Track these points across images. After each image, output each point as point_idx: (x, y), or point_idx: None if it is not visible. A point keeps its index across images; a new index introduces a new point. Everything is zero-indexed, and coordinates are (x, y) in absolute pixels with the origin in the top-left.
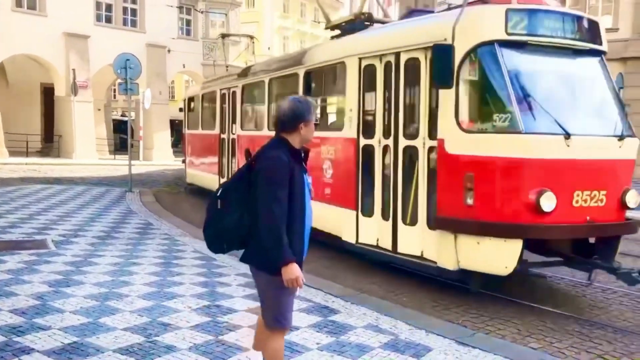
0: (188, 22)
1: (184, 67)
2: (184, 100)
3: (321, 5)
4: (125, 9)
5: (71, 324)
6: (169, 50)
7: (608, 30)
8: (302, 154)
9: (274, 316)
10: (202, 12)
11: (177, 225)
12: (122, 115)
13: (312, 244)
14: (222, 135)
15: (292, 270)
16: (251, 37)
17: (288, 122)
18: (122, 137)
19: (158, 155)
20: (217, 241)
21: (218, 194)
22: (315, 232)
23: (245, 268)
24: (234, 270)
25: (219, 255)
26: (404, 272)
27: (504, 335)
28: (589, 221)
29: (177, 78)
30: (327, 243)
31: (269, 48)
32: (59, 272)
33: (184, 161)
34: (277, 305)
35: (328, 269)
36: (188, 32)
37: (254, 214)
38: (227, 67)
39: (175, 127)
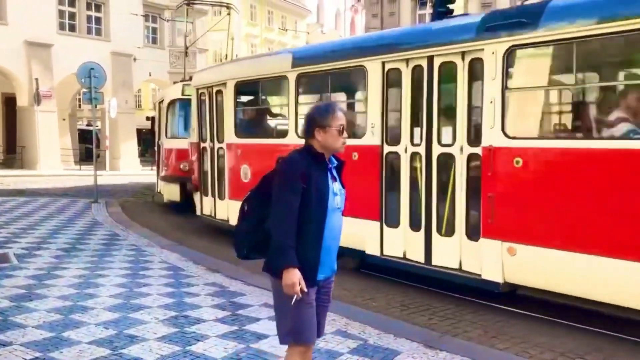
0: (154, 31)
1: (150, 75)
2: (204, 90)
3: None
4: (89, 17)
5: (33, 339)
6: (134, 59)
7: None
8: (337, 164)
9: (287, 330)
10: (168, 21)
11: (144, 236)
12: (87, 125)
13: None
14: (391, 149)
15: (290, 276)
16: (228, 7)
17: (305, 127)
18: (87, 147)
19: (125, 165)
20: (238, 245)
21: (245, 198)
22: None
23: (214, 278)
24: (202, 280)
25: (187, 266)
26: (374, 277)
27: (471, 337)
28: None
29: (144, 87)
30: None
31: (236, 55)
32: (21, 286)
33: (197, 187)
34: (288, 317)
35: None
36: (154, 41)
37: None
38: (184, 78)
39: (142, 136)
